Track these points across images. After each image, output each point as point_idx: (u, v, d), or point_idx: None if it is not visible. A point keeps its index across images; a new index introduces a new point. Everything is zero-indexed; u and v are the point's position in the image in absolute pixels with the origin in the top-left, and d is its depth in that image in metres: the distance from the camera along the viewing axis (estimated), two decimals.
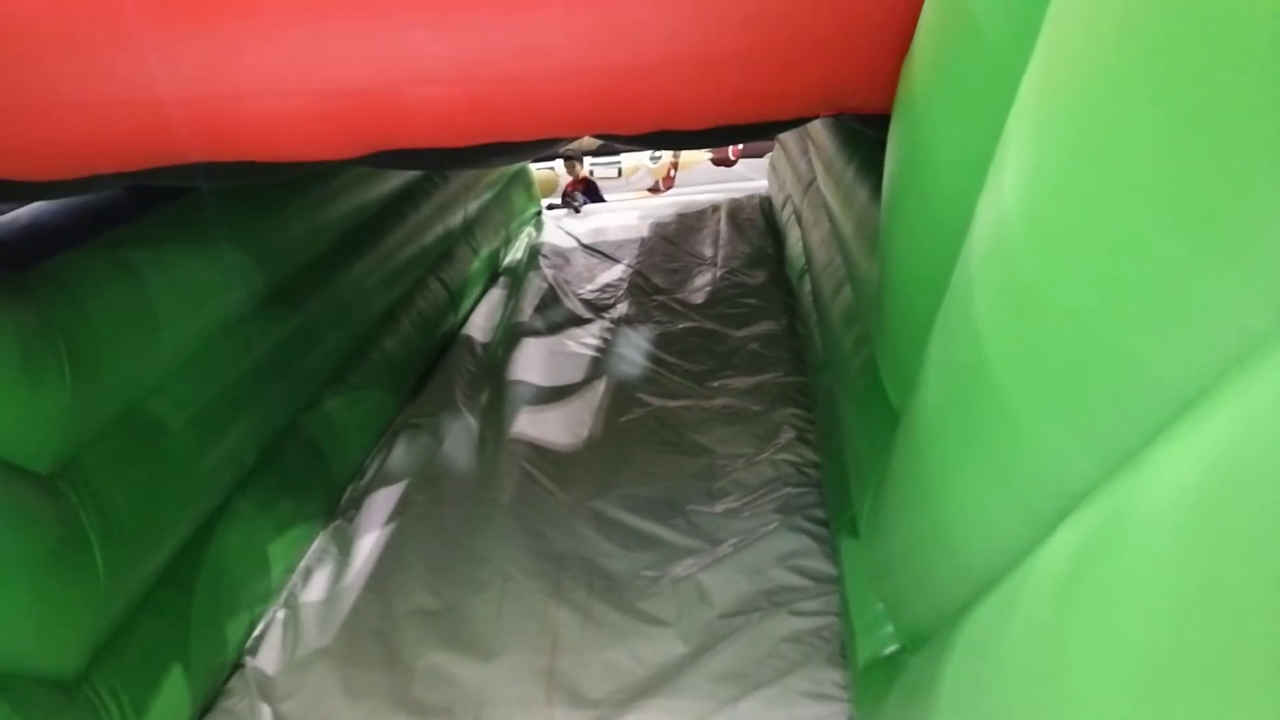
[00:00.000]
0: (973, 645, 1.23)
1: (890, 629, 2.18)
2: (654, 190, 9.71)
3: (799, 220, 5.10)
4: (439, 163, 2.09)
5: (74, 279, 2.35)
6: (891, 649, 2.16)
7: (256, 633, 2.96)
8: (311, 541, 3.35)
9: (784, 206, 6.00)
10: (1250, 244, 0.63)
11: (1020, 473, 1.06)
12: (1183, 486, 0.71)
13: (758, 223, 6.52)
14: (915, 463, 1.58)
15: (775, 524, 3.11)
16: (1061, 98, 0.89)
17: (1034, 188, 0.95)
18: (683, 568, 3.00)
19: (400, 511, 3.47)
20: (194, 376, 2.80)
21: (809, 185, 4.76)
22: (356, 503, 3.55)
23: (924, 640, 1.74)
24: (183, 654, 2.63)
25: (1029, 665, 0.97)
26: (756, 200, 7.05)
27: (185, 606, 2.67)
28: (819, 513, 3.17)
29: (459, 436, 3.94)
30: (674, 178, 9.99)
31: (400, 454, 3.83)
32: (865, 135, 3.00)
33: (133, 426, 2.51)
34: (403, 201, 4.70)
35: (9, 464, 2.11)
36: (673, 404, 4.03)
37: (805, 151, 5.00)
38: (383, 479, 3.68)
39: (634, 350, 4.63)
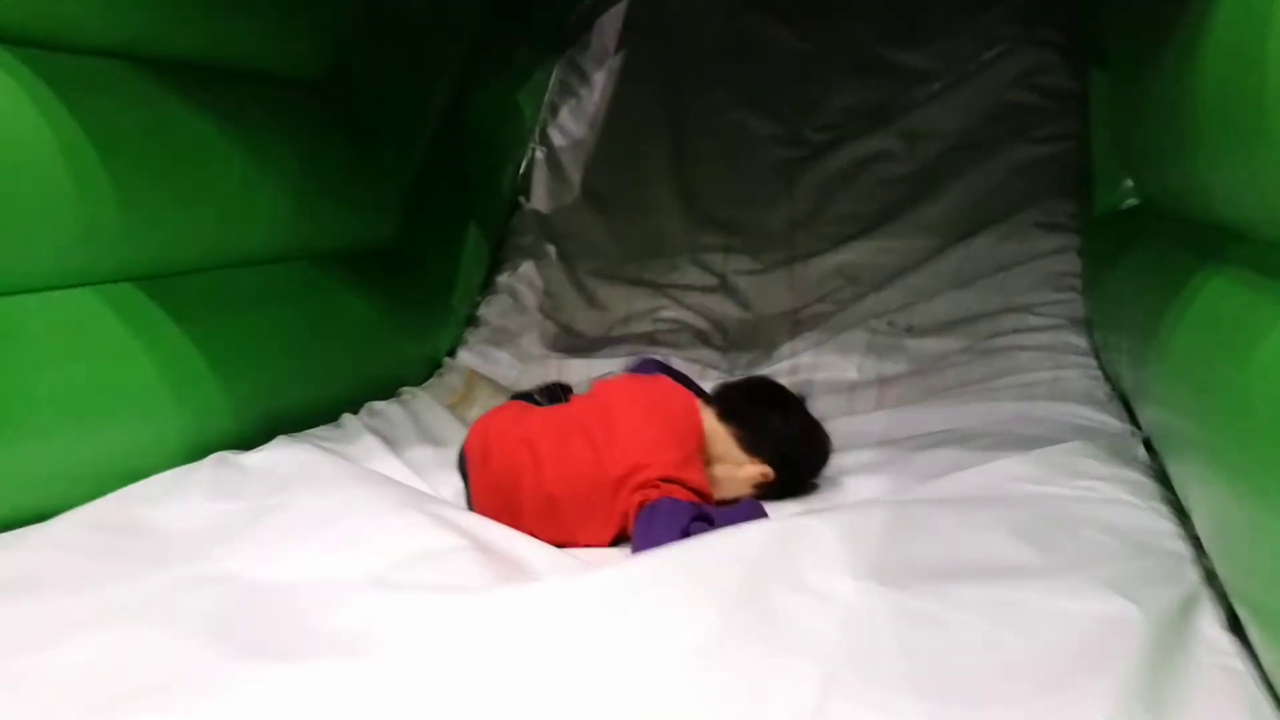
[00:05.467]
0: None
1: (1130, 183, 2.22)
2: None
3: None
4: None
5: None
6: (1131, 203, 2.23)
7: (522, 171, 3.33)
8: (550, 77, 3.52)
9: None
10: None
11: None
12: None
13: None
14: None
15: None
16: None
17: None
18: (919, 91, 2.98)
19: (627, 38, 3.50)
20: None
21: None
22: (585, 26, 3.60)
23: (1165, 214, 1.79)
24: (468, 206, 3.07)
25: None
26: None
27: (460, 166, 3.04)
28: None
29: None
30: None
31: None
32: None
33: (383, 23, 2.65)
34: None
35: (283, 77, 2.34)
36: None
37: None
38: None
39: None
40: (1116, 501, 1.33)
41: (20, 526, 1.50)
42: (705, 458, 1.58)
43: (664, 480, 1.44)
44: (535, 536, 1.39)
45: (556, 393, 1.98)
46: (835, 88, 3.05)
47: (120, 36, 1.83)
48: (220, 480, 1.61)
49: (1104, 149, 2.53)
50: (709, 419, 1.62)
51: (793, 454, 1.63)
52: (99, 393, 1.71)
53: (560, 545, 1.41)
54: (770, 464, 1.59)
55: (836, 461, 1.68)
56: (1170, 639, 0.95)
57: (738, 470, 1.60)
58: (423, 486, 1.64)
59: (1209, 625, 1.02)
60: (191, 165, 1.95)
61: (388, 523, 1.34)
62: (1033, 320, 2.37)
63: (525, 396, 1.98)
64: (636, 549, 1.33)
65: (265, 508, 1.43)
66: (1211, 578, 1.12)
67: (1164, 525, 1.28)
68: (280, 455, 1.71)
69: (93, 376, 1.70)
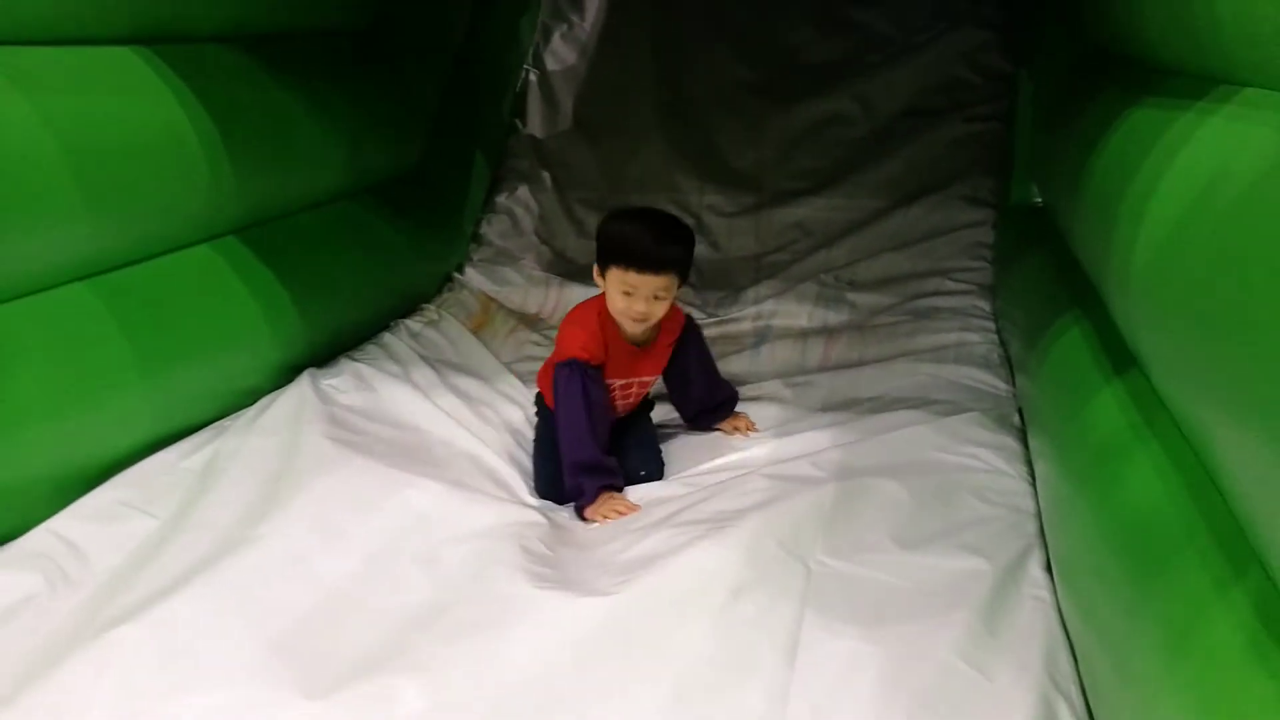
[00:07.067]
0: None
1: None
2: None
3: None
4: None
5: None
6: (1037, 201, 2.77)
7: (518, 91, 3.66)
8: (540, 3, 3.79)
9: None
10: None
11: None
12: None
13: None
14: None
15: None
16: None
17: None
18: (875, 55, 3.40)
19: None
20: None
21: None
22: None
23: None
24: (473, 128, 3.42)
25: None
26: None
27: (468, 91, 3.37)
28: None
29: None
30: None
31: None
32: None
33: None
34: None
35: (338, 32, 2.65)
36: None
37: None
38: None
39: None
40: (991, 469, 1.92)
41: (191, 433, 1.96)
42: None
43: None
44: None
45: None
46: (803, 41, 3.45)
47: (227, 22, 2.16)
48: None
49: (1025, 134, 3.05)
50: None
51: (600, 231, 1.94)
52: (220, 328, 2.13)
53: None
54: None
55: (795, 419, 2.21)
56: (1009, 580, 1.55)
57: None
58: (479, 422, 2.13)
59: (1035, 566, 1.62)
60: (277, 129, 2.32)
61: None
62: (949, 285, 2.92)
63: None
64: None
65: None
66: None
67: (1022, 487, 1.88)
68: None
69: (214, 314, 2.13)
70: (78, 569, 1.53)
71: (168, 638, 1.36)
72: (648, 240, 1.84)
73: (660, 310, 1.89)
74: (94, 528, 1.62)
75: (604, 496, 1.83)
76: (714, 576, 1.51)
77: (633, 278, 1.82)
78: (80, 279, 1.83)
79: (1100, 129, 1.77)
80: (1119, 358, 1.58)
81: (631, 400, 2.07)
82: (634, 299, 1.84)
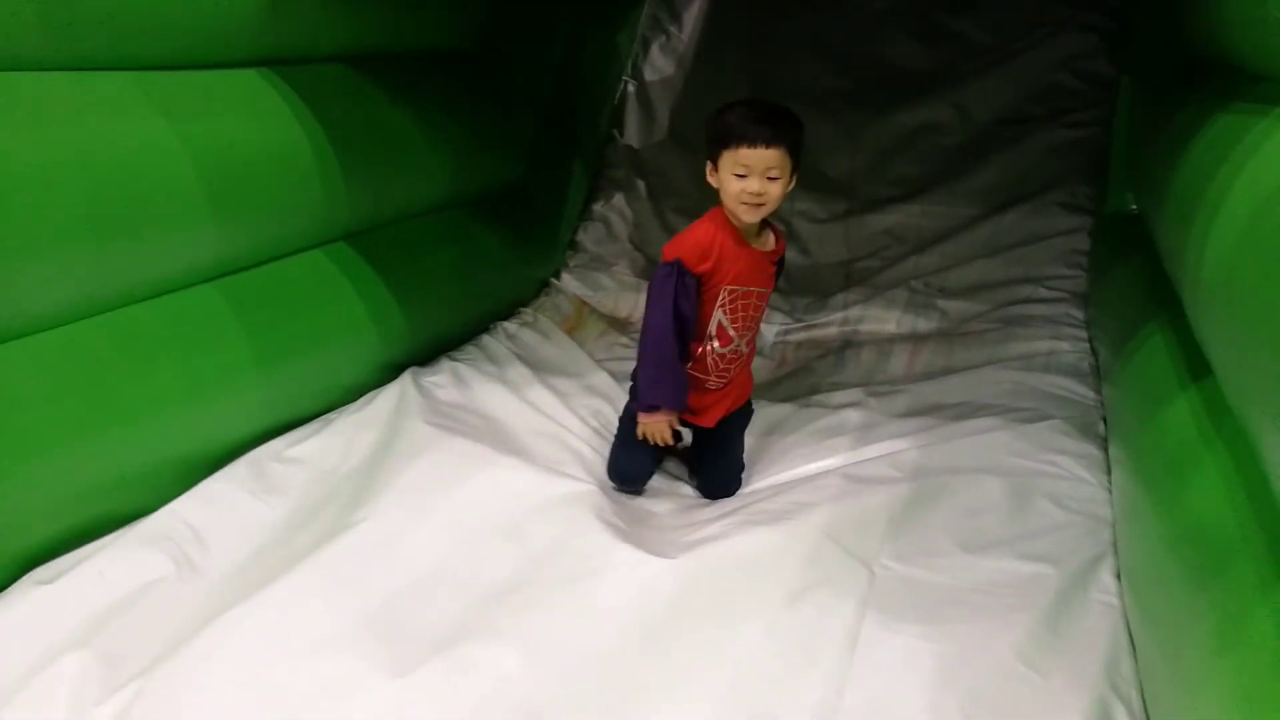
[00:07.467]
0: None
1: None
2: None
3: None
4: None
5: None
6: (1133, 209, 2.71)
7: (616, 102, 3.77)
8: (641, 13, 3.90)
9: None
10: None
11: None
12: None
13: None
14: None
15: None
16: None
17: None
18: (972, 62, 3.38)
19: None
20: None
21: None
22: None
23: None
24: (573, 140, 3.54)
25: None
26: None
27: (570, 103, 3.50)
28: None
29: None
30: None
31: None
32: None
33: None
34: None
35: (446, 51, 2.81)
36: None
37: None
38: None
39: None
40: (1070, 477, 1.92)
41: (298, 425, 2.13)
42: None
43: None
44: None
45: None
46: (900, 50, 3.45)
47: (342, 43, 2.33)
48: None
49: (1123, 141, 2.99)
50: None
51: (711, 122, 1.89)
52: (329, 328, 2.29)
53: None
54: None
55: (877, 424, 2.23)
56: (1076, 585, 1.56)
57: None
58: (567, 413, 2.24)
59: (1107, 572, 1.62)
60: (387, 143, 2.47)
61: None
62: (1043, 292, 2.89)
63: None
64: None
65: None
66: None
67: (1101, 495, 1.88)
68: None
69: (324, 315, 2.29)
70: (198, 553, 1.67)
71: (276, 619, 1.47)
72: (756, 114, 1.82)
73: (776, 192, 1.82)
74: (212, 512, 1.77)
75: (661, 414, 1.92)
76: (776, 574, 1.57)
77: (745, 154, 1.79)
78: (207, 280, 2.02)
79: (1185, 136, 1.76)
80: (1196, 366, 1.57)
81: (750, 323, 2.01)
82: (748, 179, 1.80)
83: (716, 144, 1.85)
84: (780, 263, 2.07)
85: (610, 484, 2.00)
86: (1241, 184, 1.30)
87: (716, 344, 1.96)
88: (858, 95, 3.49)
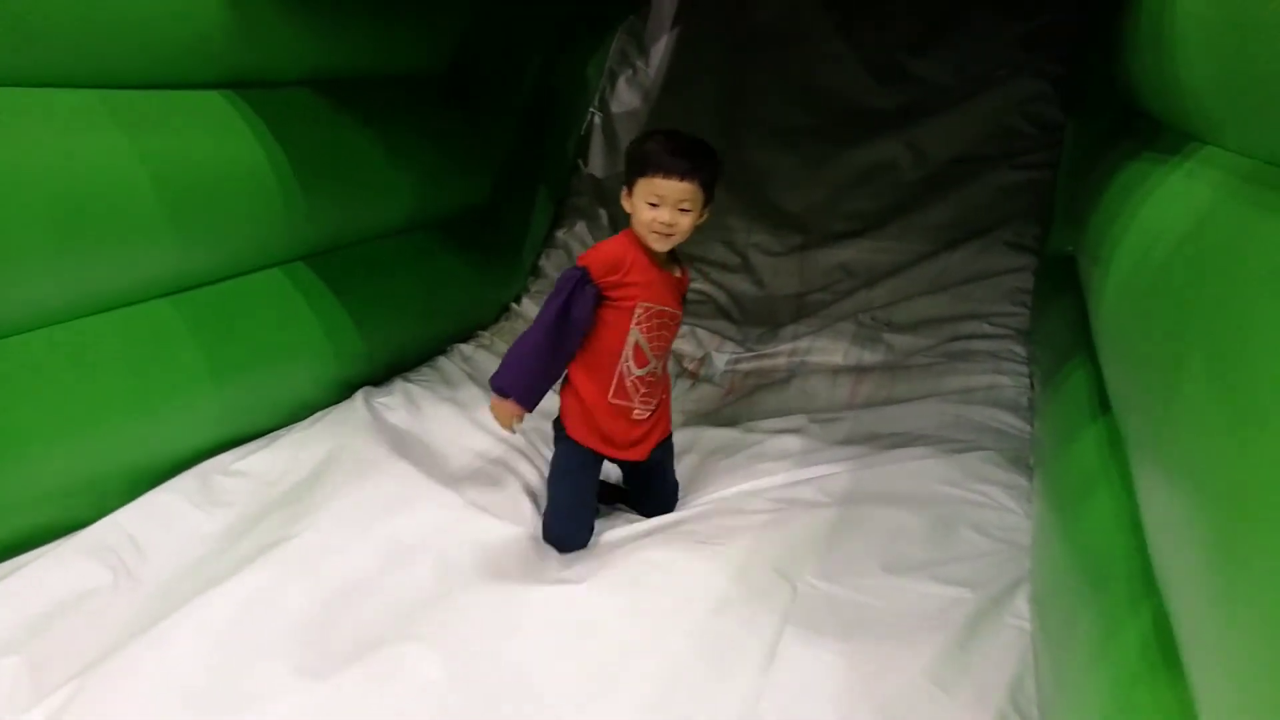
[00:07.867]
0: None
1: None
2: None
3: None
4: None
5: None
6: (1069, 250, 2.81)
7: (582, 133, 3.86)
8: (610, 47, 3.99)
9: None
10: None
11: None
12: None
13: None
14: None
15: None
16: None
17: None
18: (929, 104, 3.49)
19: (683, 13, 3.95)
20: None
21: None
22: None
23: None
24: (540, 167, 3.62)
25: None
26: None
27: (537, 131, 3.58)
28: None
29: None
30: None
31: None
32: None
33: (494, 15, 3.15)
34: None
35: (415, 76, 2.88)
36: None
37: None
38: None
39: None
40: (996, 506, 1.98)
41: (250, 440, 2.16)
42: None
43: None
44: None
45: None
46: (861, 90, 3.56)
47: (310, 66, 2.39)
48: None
49: (1064, 181, 3.10)
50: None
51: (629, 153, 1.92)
52: (285, 346, 2.34)
53: None
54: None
55: (814, 450, 2.30)
56: (991, 609, 1.62)
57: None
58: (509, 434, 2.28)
59: (1022, 598, 1.68)
60: (351, 166, 2.53)
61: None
62: (987, 328, 2.98)
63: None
64: None
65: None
66: None
67: (1023, 524, 1.94)
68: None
69: (281, 333, 2.33)
70: (137, 562, 1.70)
71: (208, 627, 1.51)
72: (674, 146, 1.85)
73: (685, 224, 1.86)
74: (154, 522, 1.81)
75: (511, 404, 1.90)
76: (702, 589, 1.62)
77: (660, 184, 1.82)
78: (165, 295, 2.06)
79: (1104, 180, 1.85)
80: (1105, 400, 1.65)
81: (663, 345, 2.01)
82: (660, 209, 1.83)
83: (634, 170, 1.88)
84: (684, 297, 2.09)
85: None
86: (1135, 227, 1.38)
87: (633, 365, 1.96)
88: (818, 132, 3.59)
